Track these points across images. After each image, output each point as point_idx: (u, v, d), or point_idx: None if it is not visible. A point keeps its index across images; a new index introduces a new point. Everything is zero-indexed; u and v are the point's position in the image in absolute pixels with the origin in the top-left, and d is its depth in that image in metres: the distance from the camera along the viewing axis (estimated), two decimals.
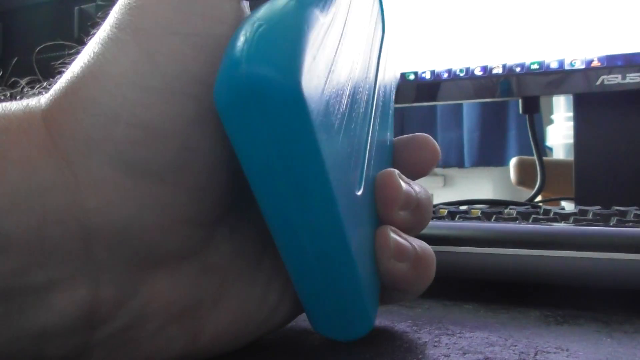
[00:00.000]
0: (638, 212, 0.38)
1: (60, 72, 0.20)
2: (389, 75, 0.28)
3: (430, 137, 0.26)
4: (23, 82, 0.22)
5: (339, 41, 0.19)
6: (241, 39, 0.16)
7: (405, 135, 0.27)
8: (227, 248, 0.21)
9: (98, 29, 0.20)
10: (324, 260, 0.19)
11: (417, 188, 0.23)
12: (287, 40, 0.16)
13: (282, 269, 0.22)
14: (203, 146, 0.18)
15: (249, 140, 0.16)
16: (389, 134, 0.27)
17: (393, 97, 0.29)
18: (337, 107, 0.19)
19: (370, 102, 0.24)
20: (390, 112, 0.28)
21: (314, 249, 0.19)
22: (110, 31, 0.18)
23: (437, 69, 0.59)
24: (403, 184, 0.23)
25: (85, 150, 0.17)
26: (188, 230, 0.19)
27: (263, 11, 0.17)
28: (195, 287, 0.20)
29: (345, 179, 0.19)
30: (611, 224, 0.35)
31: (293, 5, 0.17)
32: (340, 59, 0.19)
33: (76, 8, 0.63)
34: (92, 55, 0.18)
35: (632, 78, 0.51)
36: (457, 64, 0.58)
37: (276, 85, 0.15)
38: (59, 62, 0.22)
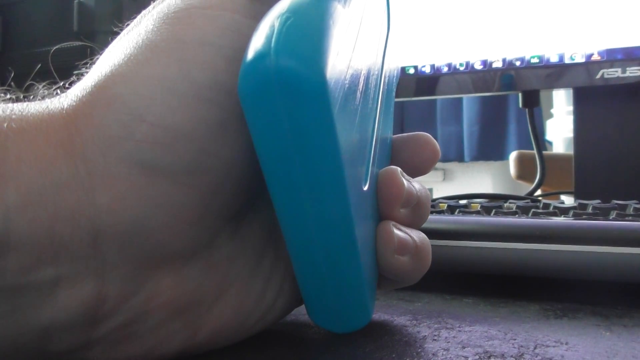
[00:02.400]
0: (638, 205, 0.38)
1: (79, 74, 0.20)
2: (392, 71, 0.28)
3: (431, 137, 0.27)
4: (40, 85, 0.23)
5: (357, 36, 0.20)
6: (269, 31, 0.16)
7: (405, 134, 0.27)
8: (229, 247, 0.21)
9: (124, 30, 0.21)
10: (330, 253, 0.19)
11: (417, 186, 0.24)
12: (314, 35, 0.16)
13: (280, 267, 0.22)
14: (221, 152, 0.19)
15: (269, 130, 0.17)
16: (389, 131, 0.27)
17: (394, 93, 0.29)
18: (353, 102, 0.19)
19: (376, 98, 0.24)
20: (391, 108, 0.29)
21: (321, 241, 0.19)
22: (145, 36, 0.19)
23: (437, 63, 0.59)
24: (405, 182, 0.23)
25: (103, 147, 0.17)
26: (195, 231, 0.19)
27: (289, 4, 0.17)
28: (197, 285, 0.20)
29: (355, 173, 0.19)
30: (611, 217, 0.35)
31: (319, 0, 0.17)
32: (356, 54, 0.19)
33: (76, 1, 0.63)
34: (123, 57, 0.19)
35: (632, 72, 0.51)
36: (457, 58, 0.58)
37: (303, 78, 0.16)
38: (82, 62, 0.22)
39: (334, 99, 0.16)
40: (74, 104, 0.18)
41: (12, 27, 0.69)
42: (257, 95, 0.16)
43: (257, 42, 0.16)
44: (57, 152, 0.17)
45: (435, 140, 0.27)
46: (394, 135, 0.28)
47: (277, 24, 0.16)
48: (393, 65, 0.28)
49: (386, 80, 0.26)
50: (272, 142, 0.17)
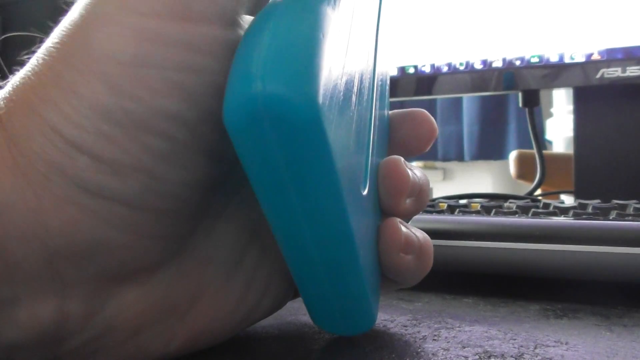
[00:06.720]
0: (638, 205, 0.38)
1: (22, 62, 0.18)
2: (386, 49, 0.26)
3: (427, 113, 0.25)
4: None
5: (349, 35, 0.18)
6: (255, 53, 0.15)
7: (400, 110, 0.26)
8: (204, 250, 0.20)
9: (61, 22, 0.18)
10: (332, 269, 0.19)
11: (418, 173, 0.23)
12: (304, 56, 0.15)
13: (265, 265, 0.21)
14: (172, 177, 0.17)
15: (262, 161, 0.16)
16: (386, 112, 0.26)
17: (389, 71, 0.27)
18: (348, 110, 0.18)
19: (372, 88, 0.23)
20: (387, 87, 0.27)
21: (322, 259, 0.18)
22: (71, 45, 0.16)
23: (437, 63, 0.59)
24: (410, 172, 0.22)
25: (47, 172, 0.16)
26: (157, 245, 0.18)
27: (274, 19, 0.16)
28: (168, 294, 0.19)
29: (354, 184, 0.19)
30: (611, 217, 0.35)
31: (306, 9, 0.16)
32: (349, 55, 0.18)
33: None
34: (52, 75, 0.16)
35: (632, 71, 0.51)
36: (457, 58, 0.58)
37: (295, 106, 0.15)
38: (24, 52, 0.19)
39: (329, 122, 0.15)
40: (10, 118, 0.16)
41: (12, 27, 0.69)
42: (245, 126, 0.15)
43: (242, 66, 0.15)
44: (1, 171, 0.16)
45: (431, 116, 0.25)
46: (391, 112, 0.26)
47: (263, 45, 0.15)
48: (386, 46, 0.26)
49: (381, 61, 0.25)
50: (265, 172, 0.16)
